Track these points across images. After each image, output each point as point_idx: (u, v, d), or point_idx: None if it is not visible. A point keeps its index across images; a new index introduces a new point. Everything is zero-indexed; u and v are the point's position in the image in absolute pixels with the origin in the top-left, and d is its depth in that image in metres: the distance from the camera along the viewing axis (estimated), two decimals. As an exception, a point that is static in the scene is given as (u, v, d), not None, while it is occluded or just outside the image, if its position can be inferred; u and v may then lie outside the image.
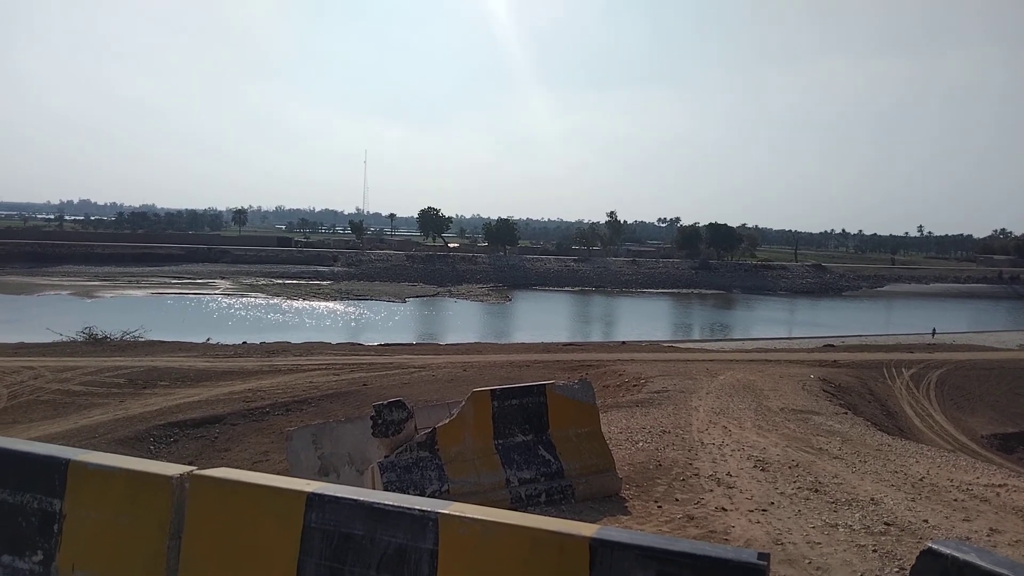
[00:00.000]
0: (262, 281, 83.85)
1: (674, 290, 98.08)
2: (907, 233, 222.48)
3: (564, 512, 6.67)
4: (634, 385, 20.35)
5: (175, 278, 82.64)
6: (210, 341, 32.45)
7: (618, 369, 24.25)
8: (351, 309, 66.27)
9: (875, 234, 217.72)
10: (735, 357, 30.48)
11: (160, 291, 72.44)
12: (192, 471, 3.61)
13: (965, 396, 25.91)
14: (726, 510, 7.06)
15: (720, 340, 49.70)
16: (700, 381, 19.72)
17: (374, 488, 6.55)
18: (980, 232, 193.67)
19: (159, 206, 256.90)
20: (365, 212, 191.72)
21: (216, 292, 74.06)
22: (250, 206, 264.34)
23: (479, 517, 2.95)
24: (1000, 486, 8.86)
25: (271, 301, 68.82)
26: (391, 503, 3.13)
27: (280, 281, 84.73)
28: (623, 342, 41.35)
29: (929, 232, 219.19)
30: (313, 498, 3.28)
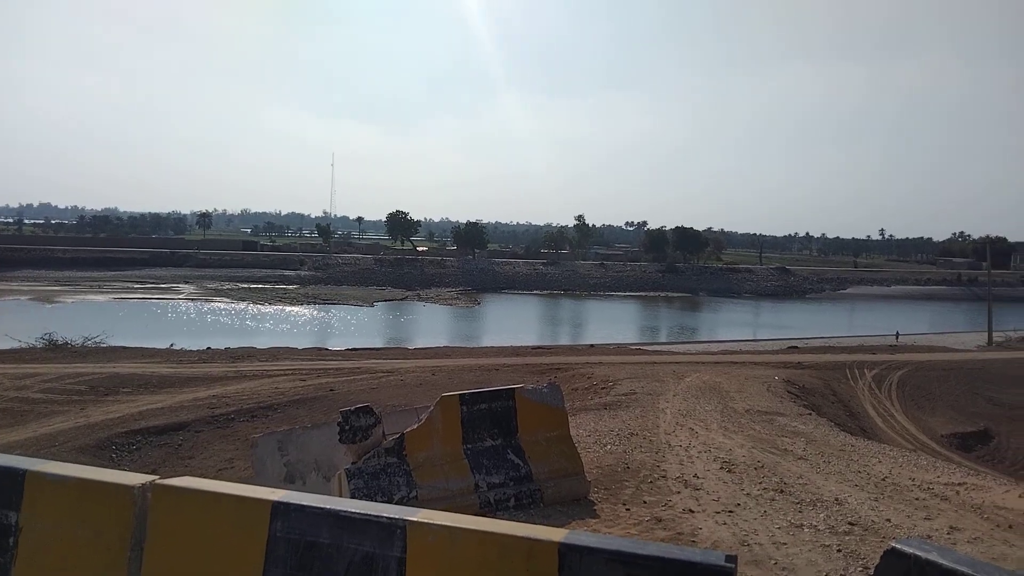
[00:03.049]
0: (227, 285, 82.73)
1: (641, 293, 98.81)
2: (869, 236, 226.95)
3: (533, 516, 6.67)
4: (603, 388, 20.44)
5: (138, 282, 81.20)
6: (174, 347, 31.95)
7: (587, 372, 24.35)
8: (318, 313, 65.72)
9: (838, 237, 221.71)
10: (701, 359, 30.78)
11: (122, 296, 71.14)
12: (154, 480, 3.54)
13: (926, 396, 26.45)
14: (693, 512, 7.11)
15: (687, 342, 50.14)
16: (667, 383, 19.87)
17: (341, 495, 6.49)
18: (940, 235, 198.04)
19: (122, 209, 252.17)
20: (332, 215, 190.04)
21: (180, 297, 72.95)
22: (215, 209, 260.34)
23: (447, 524, 2.93)
24: (959, 484, 9.05)
25: (236, 306, 67.96)
26: (358, 511, 3.09)
27: (245, 285, 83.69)
28: (592, 345, 41.55)
29: (890, 235, 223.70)
30: (278, 506, 3.23)
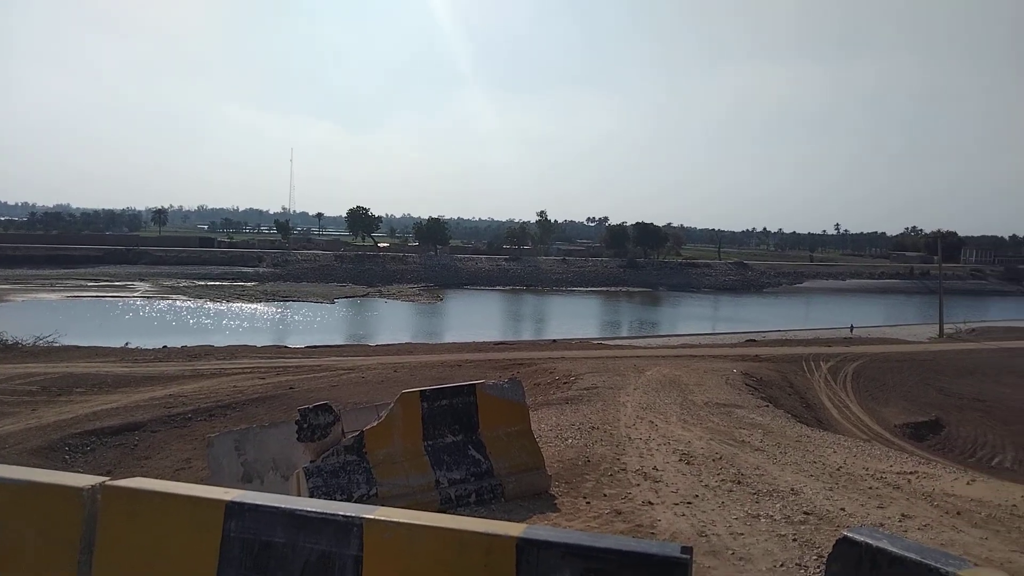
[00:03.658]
0: (183, 283, 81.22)
1: (603, 288, 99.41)
2: (825, 231, 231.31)
3: (494, 511, 6.67)
4: (564, 383, 20.53)
5: (91, 280, 79.29)
6: (129, 345, 31.30)
7: (549, 367, 24.43)
8: (277, 311, 64.89)
9: (794, 232, 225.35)
10: (662, 353, 31.07)
11: (75, 294, 69.39)
12: (104, 482, 3.47)
13: (880, 387, 27.07)
14: (652, 504, 7.18)
15: (647, 337, 50.55)
16: (628, 377, 20.03)
17: (300, 494, 6.42)
18: (893, 230, 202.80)
19: (74, 206, 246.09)
20: (291, 211, 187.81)
21: (135, 295, 71.42)
22: (171, 206, 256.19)
23: (404, 521, 2.91)
24: (911, 473, 9.27)
25: (193, 304, 66.79)
26: (313, 509, 3.06)
27: (202, 283, 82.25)
28: (554, 340, 41.69)
29: (845, 230, 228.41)
30: (232, 506, 3.19)
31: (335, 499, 6.20)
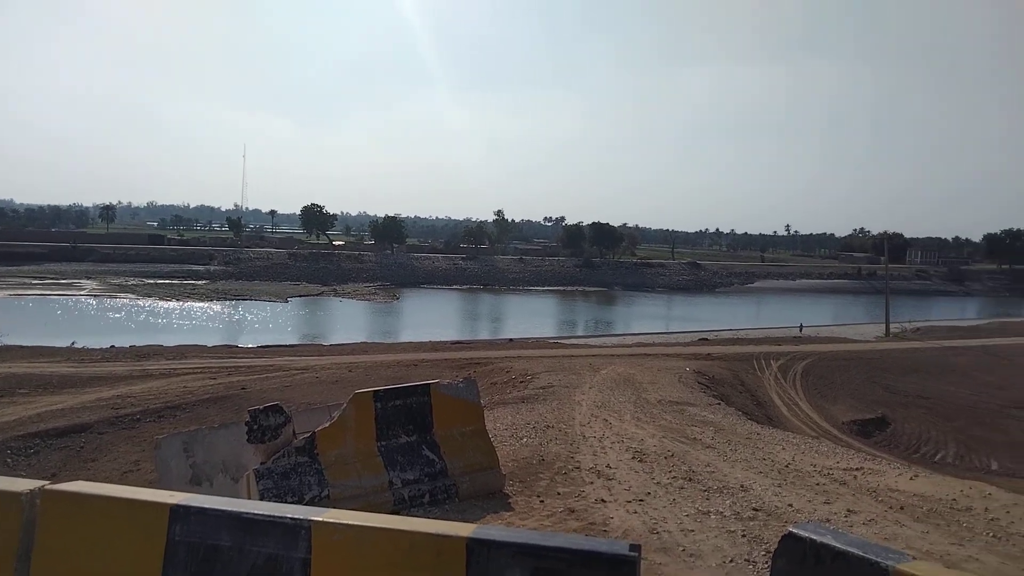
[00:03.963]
0: (132, 281, 79.39)
1: (559, 287, 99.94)
2: (775, 232, 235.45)
3: (448, 512, 6.66)
4: (521, 382, 20.61)
5: (36, 278, 76.98)
6: (75, 345, 30.59)
7: (505, 366, 24.49)
8: (229, 310, 63.83)
9: (746, 233, 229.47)
10: (617, 352, 31.37)
11: (19, 292, 67.28)
12: (44, 486, 3.37)
13: (828, 385, 27.73)
14: (605, 502, 7.24)
15: (603, 336, 50.99)
16: (583, 376, 20.18)
17: (250, 496, 6.33)
18: (841, 231, 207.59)
19: (17, 201, 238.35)
20: (244, 208, 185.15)
21: (82, 293, 69.56)
22: (119, 202, 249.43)
23: (354, 523, 2.89)
24: (857, 469, 9.51)
25: (142, 302, 65.32)
26: (261, 512, 3.02)
27: (152, 281, 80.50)
28: (511, 339, 41.76)
29: (795, 231, 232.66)
30: (177, 510, 3.13)
31: (286, 501, 6.12)
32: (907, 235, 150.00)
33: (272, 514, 3.00)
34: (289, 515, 2.97)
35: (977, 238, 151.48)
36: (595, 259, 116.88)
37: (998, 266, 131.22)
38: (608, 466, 8.81)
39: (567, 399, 15.63)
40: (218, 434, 8.45)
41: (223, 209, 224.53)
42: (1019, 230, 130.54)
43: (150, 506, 3.20)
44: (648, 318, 70.16)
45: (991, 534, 6.67)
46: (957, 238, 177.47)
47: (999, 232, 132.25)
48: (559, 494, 7.49)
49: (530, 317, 67.38)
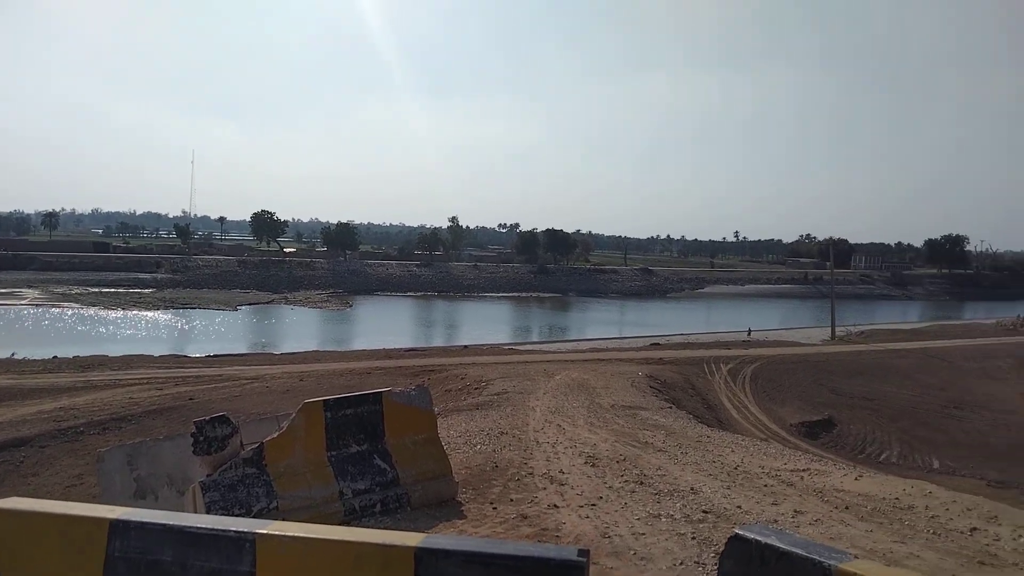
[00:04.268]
0: (76, 290, 77.03)
1: (514, 294, 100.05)
2: (724, 238, 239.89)
3: (400, 521, 6.61)
4: (475, 388, 20.59)
5: (-29, 288, 74.32)
6: (15, 356, 29.58)
7: (460, 373, 24.43)
8: (176, 319, 62.40)
9: (696, 239, 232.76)
10: (571, 357, 31.52)
11: (-47, 302, 64.89)
12: (-24, 503, 3.25)
13: (776, 388, 28.25)
14: (558, 507, 7.26)
15: (557, 341, 51.18)
16: (538, 382, 20.24)
17: (196, 509, 6.19)
18: (788, 237, 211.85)
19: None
20: (192, 215, 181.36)
21: (22, 302, 67.25)
22: (62, 208, 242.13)
23: (300, 535, 2.84)
24: (804, 471, 9.71)
25: (86, 311, 63.45)
26: (204, 526, 2.95)
27: (96, 289, 78.19)
28: (465, 346, 41.65)
29: (744, 237, 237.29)
30: (117, 525, 3.04)
31: (233, 514, 6.01)
32: (852, 241, 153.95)
33: (215, 527, 2.94)
34: (233, 528, 2.91)
35: (919, 244, 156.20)
36: (549, 265, 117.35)
37: (938, 271, 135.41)
38: (561, 471, 8.85)
39: (521, 405, 15.65)
40: (163, 446, 8.25)
41: (171, 216, 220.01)
42: (958, 236, 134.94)
43: (88, 521, 3.11)
44: (602, 323, 70.63)
45: (931, 531, 6.87)
46: (899, 244, 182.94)
47: (939, 238, 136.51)
48: (512, 500, 7.49)
49: (485, 323, 67.32)
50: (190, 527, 2.96)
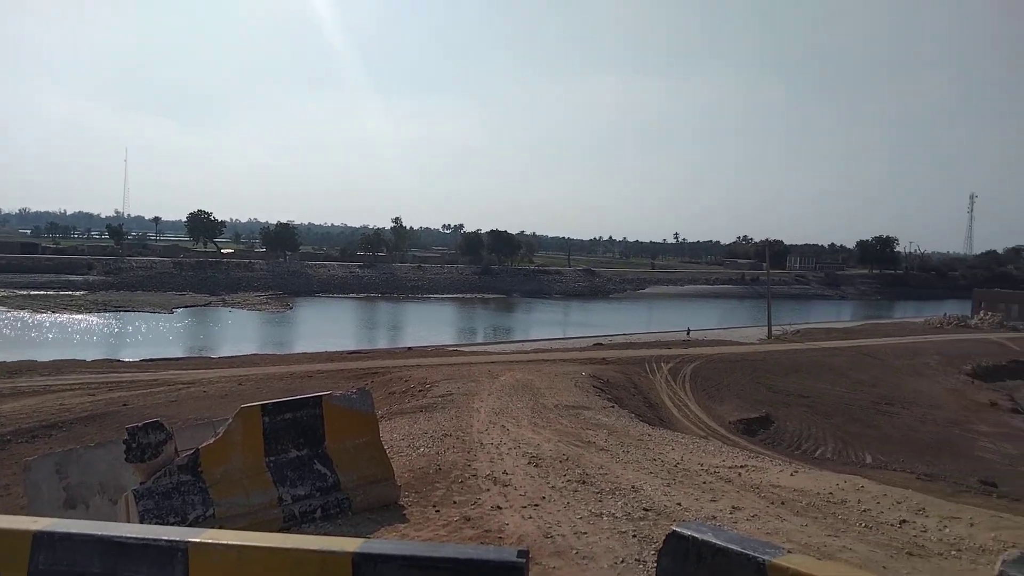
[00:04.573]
0: (2, 293, 74.01)
1: (459, 295, 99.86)
2: (665, 240, 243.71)
3: (341, 526, 6.53)
4: (420, 390, 20.50)
5: None
6: (-67, 363, 28.22)
7: (404, 375, 24.28)
8: (110, 322, 60.49)
9: (637, 241, 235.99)
10: (515, 358, 31.63)
11: None
12: None
13: (715, 386, 28.84)
14: (501, 508, 7.27)
15: (502, 342, 51.25)
16: (482, 383, 20.24)
17: (129, 519, 6.01)
18: (726, 239, 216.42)
19: None
20: (126, 215, 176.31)
21: (-58, 306, 64.38)
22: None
23: (233, 543, 2.78)
24: (741, 467, 9.93)
25: (13, 315, 61.00)
26: (133, 535, 2.86)
27: (24, 292, 75.29)
28: (409, 348, 41.41)
29: (684, 239, 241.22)
30: (41, 537, 2.93)
31: (168, 522, 5.85)
32: (787, 242, 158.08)
33: (145, 537, 2.85)
34: (164, 538, 2.83)
35: (851, 245, 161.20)
36: (494, 266, 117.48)
37: (869, 271, 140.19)
38: (505, 472, 8.86)
39: (465, 407, 15.63)
40: (95, 453, 7.99)
41: (103, 216, 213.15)
42: (888, 238, 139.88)
43: (9, 534, 2.99)
44: (546, 324, 71.02)
45: (863, 524, 7.10)
46: (833, 245, 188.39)
47: (870, 239, 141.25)
48: (455, 503, 7.47)
49: (429, 325, 67.03)
50: (119, 537, 2.87)
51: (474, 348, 43.58)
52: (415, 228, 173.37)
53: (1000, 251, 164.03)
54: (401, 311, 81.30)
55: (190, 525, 5.85)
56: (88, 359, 31.99)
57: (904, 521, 7.20)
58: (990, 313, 65.28)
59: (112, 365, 29.71)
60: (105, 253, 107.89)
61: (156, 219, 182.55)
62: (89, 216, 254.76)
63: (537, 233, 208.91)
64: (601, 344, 41.89)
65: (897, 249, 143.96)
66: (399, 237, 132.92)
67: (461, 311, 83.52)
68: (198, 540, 2.80)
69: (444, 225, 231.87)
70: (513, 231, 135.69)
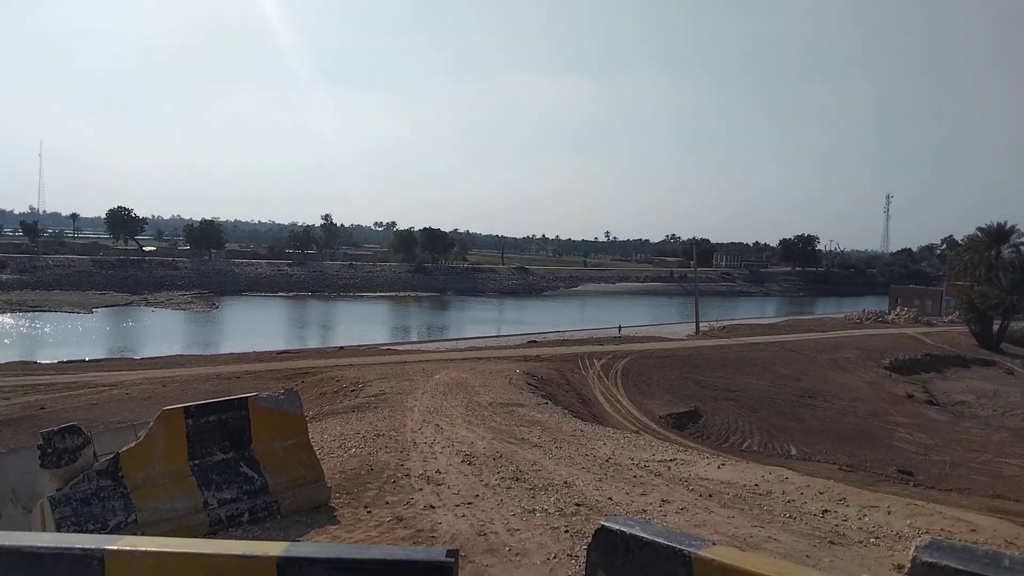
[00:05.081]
0: (-97, 293, 70.06)
1: (392, 293, 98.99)
2: (596, 238, 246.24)
3: (269, 530, 6.40)
4: (352, 390, 20.25)
5: None
6: None
7: (336, 375, 23.94)
8: (24, 322, 57.87)
9: (570, 239, 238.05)
10: (450, 357, 31.53)
11: None
12: None
13: (646, 381, 29.32)
14: (434, 507, 7.24)
15: (436, 340, 51.03)
16: (416, 382, 20.12)
17: (44, 527, 5.76)
18: (655, 237, 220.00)
19: None
20: (41, 212, 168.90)
21: None
22: None
23: (152, 549, 2.69)
24: (671, 461, 10.13)
25: (-85, 316, 57.77)
26: (45, 544, 2.74)
27: (-71, 292, 71.39)
28: (341, 347, 40.83)
29: (615, 237, 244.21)
30: None
31: (87, 530, 5.63)
32: (713, 240, 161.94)
33: (59, 546, 2.73)
34: (79, 546, 2.71)
35: (774, 243, 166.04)
36: (427, 264, 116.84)
37: (792, 268, 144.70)
38: (438, 471, 8.83)
39: (399, 406, 15.51)
40: (7, 459, 7.64)
41: (16, 212, 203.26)
42: (810, 235, 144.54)
43: None
44: (480, 322, 71.04)
45: (787, 515, 7.33)
46: (757, 243, 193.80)
47: (792, 237, 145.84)
48: (387, 503, 7.41)
49: (362, 324, 66.24)
50: (30, 547, 2.74)
51: (408, 347, 43.28)
52: (346, 225, 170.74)
53: (915, 249, 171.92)
54: (332, 310, 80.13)
55: (111, 532, 5.65)
56: (1, 361, 30.53)
57: (826, 511, 7.46)
58: (906, 308, 68.10)
59: (27, 367, 28.41)
60: (19, 251, 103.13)
61: (74, 216, 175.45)
62: (1, 213, 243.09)
63: (471, 231, 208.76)
64: (535, 342, 42.11)
65: (818, 247, 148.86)
66: (329, 234, 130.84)
67: (394, 309, 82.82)
68: (115, 548, 2.69)
69: (376, 223, 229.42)
70: (447, 229, 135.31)
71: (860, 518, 7.24)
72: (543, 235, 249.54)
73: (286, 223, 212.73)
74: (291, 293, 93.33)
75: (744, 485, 8.61)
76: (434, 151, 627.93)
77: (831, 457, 21.91)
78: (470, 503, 7.41)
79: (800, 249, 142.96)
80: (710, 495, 8.12)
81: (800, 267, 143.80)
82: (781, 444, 23.95)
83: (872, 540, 6.56)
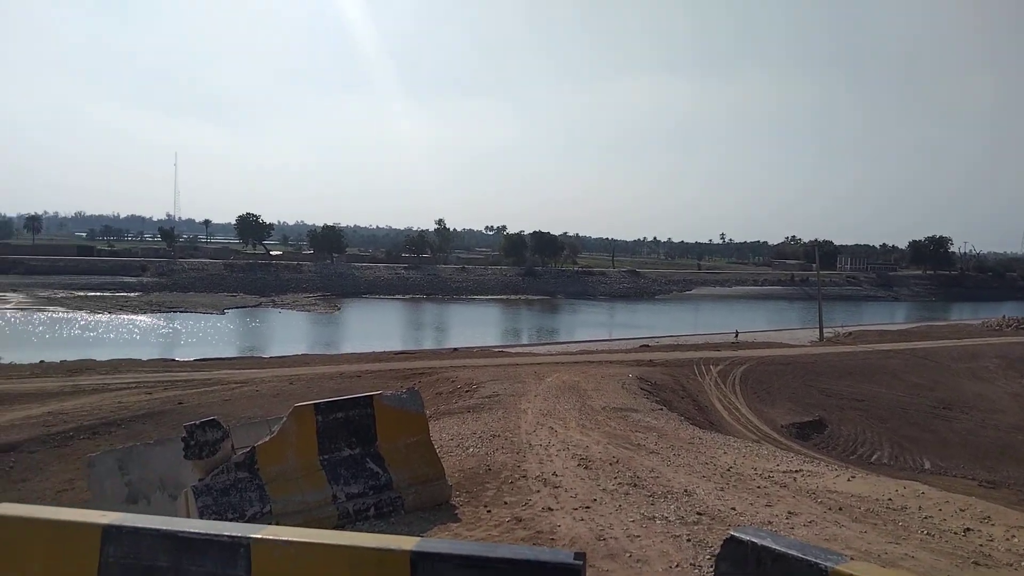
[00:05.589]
0: (61, 294, 76.46)
1: (502, 296, 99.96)
2: (711, 240, 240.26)
3: (394, 524, 6.57)
4: (466, 391, 20.54)
5: (-46, 292, 73.61)
6: (2, 361, 29.29)
7: (450, 376, 24.37)
8: (163, 322, 61.99)
9: (683, 241, 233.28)
10: (561, 359, 31.50)
11: (-64, 307, 64.26)
12: (-34, 510, 3.20)
13: (766, 389, 28.31)
14: (552, 510, 7.24)
15: (547, 343, 51.13)
16: (529, 384, 20.21)
17: (189, 514, 6.14)
18: (774, 239, 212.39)
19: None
20: (177, 218, 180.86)
21: (7, 307, 66.67)
22: (45, 212, 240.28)
23: (293, 539, 2.82)
24: (796, 472, 9.72)
25: (72, 315, 62.92)
26: (198, 531, 2.92)
27: (82, 293, 77.64)
28: (455, 348, 41.57)
29: (730, 239, 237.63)
30: (110, 530, 3.00)
31: (226, 518, 5.96)
32: (836, 242, 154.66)
33: (209, 532, 2.90)
34: (227, 533, 2.87)
35: (903, 245, 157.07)
36: (537, 268, 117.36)
37: (923, 271, 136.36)
38: (554, 474, 8.82)
39: (513, 408, 15.62)
40: (154, 450, 8.20)
41: (155, 219, 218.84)
42: (942, 237, 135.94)
43: (81, 527, 3.07)
44: (591, 325, 70.67)
45: (925, 532, 6.89)
46: (883, 245, 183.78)
47: (923, 239, 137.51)
48: (506, 503, 7.47)
49: (474, 326, 67.23)
50: (184, 532, 2.92)
51: (519, 349, 43.56)
52: (458, 230, 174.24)
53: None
54: (446, 312, 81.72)
55: (248, 521, 5.95)
56: (144, 358, 32.79)
57: (969, 529, 6.97)
58: (1052, 315, 62.95)
59: (167, 364, 30.40)
60: (158, 255, 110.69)
61: (206, 222, 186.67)
62: (142, 219, 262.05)
63: (580, 234, 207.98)
64: (648, 346, 41.50)
65: (951, 249, 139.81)
66: (443, 239, 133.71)
67: (505, 312, 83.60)
68: (260, 536, 2.84)
69: (487, 227, 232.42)
70: (556, 232, 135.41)
71: (1008, 539, 6.70)
72: (654, 237, 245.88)
73: (401, 228, 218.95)
74: (407, 295, 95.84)
75: (876, 499, 8.15)
76: (541, 155, 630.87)
77: (969, 472, 20.47)
78: (588, 507, 7.37)
79: (931, 251, 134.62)
80: (840, 508, 7.74)
81: (932, 270, 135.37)
82: (913, 457, 22.59)
83: (1023, 563, 6.08)
